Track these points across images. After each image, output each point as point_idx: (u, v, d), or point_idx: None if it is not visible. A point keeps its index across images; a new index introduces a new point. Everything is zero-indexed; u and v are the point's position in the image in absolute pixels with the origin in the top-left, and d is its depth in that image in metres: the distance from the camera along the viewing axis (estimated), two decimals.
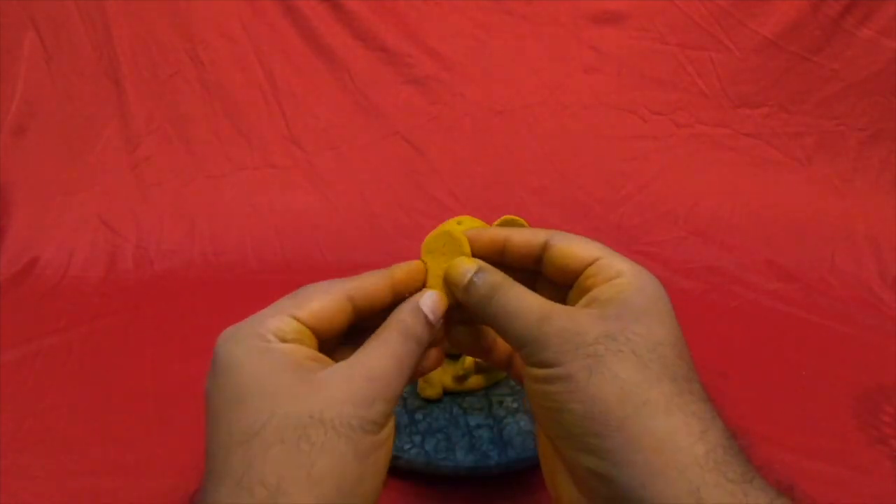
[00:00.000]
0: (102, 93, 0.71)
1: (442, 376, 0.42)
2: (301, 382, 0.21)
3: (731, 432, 0.21)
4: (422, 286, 0.27)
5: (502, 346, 0.29)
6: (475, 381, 0.42)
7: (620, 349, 0.21)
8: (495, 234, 0.27)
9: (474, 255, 0.27)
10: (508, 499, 0.38)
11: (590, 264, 0.25)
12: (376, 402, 0.22)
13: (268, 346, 0.22)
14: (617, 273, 0.24)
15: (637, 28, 0.75)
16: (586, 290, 0.24)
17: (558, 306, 0.24)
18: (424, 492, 0.38)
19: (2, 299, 0.59)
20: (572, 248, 0.25)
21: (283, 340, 0.22)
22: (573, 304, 0.25)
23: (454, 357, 0.42)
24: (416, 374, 0.26)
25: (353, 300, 0.25)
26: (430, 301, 0.26)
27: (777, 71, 0.73)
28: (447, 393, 0.42)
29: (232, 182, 0.73)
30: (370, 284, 0.25)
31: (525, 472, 0.38)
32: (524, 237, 0.27)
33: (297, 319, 0.23)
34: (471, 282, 0.25)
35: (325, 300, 0.24)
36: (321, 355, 0.23)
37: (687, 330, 0.52)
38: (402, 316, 0.25)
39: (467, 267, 0.26)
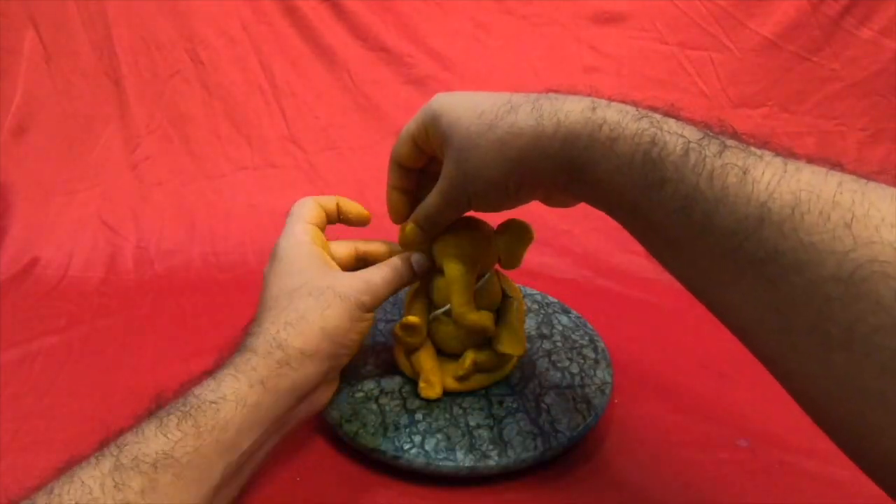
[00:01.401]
0: (102, 93, 0.71)
1: (442, 376, 0.42)
2: (325, 269, 0.36)
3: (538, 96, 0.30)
4: (355, 216, 0.42)
5: None
6: (475, 381, 0.42)
7: (459, 164, 0.32)
8: (389, 190, 0.41)
9: (405, 205, 0.41)
10: (508, 499, 0.38)
11: (414, 147, 0.37)
12: (367, 293, 0.35)
13: (304, 244, 0.37)
14: (423, 140, 0.35)
15: (637, 28, 0.75)
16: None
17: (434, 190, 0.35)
18: (424, 492, 0.38)
19: (2, 299, 0.59)
20: (402, 153, 0.38)
21: (312, 241, 0.37)
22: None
23: (454, 357, 0.42)
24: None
25: (319, 204, 0.40)
26: (418, 257, 0.39)
27: (777, 71, 0.73)
28: (447, 393, 0.42)
29: (232, 182, 0.72)
30: (326, 198, 0.41)
31: (525, 473, 0.39)
32: (395, 164, 0.40)
33: (309, 223, 0.38)
34: (414, 230, 0.38)
35: (311, 207, 0.40)
36: (330, 259, 0.38)
37: (687, 329, 0.53)
38: (395, 259, 0.39)
39: (409, 227, 0.39)
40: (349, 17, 0.74)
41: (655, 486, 0.38)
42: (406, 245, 0.39)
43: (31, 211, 0.67)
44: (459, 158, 0.32)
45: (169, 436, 0.27)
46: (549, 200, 0.34)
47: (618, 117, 0.26)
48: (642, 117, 0.26)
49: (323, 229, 0.40)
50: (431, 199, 0.36)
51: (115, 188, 0.70)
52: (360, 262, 0.41)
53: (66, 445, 0.41)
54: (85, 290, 0.61)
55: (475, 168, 0.31)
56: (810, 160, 0.23)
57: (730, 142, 0.24)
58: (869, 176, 0.22)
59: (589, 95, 0.29)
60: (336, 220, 0.42)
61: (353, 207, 0.42)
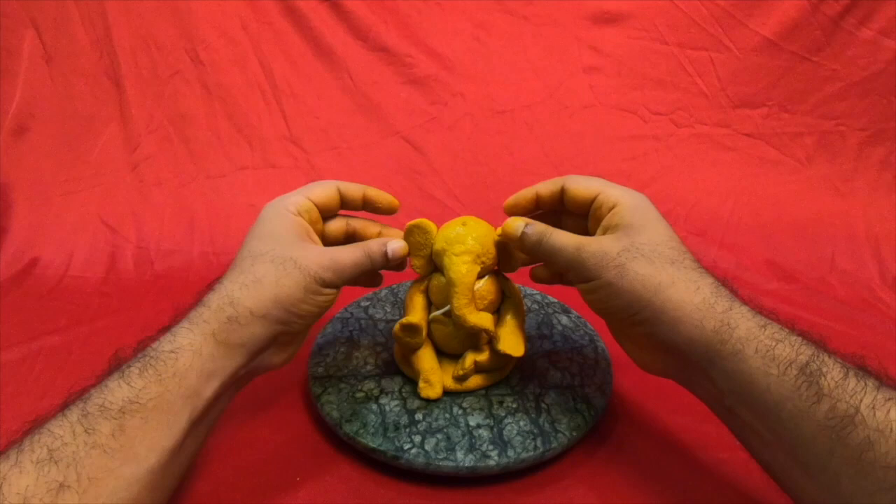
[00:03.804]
0: (102, 93, 0.71)
1: (442, 376, 0.42)
2: (295, 241, 0.36)
3: (719, 281, 0.33)
4: (385, 205, 0.42)
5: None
6: (475, 381, 0.42)
7: (634, 256, 0.33)
8: (528, 191, 0.39)
9: (520, 211, 0.40)
10: (508, 499, 0.38)
11: (595, 197, 0.36)
12: (329, 270, 0.35)
13: (287, 213, 0.37)
14: (615, 202, 0.35)
15: (637, 28, 0.75)
16: (599, 219, 0.36)
17: (586, 238, 0.35)
18: (424, 492, 0.38)
19: (2, 299, 0.59)
20: (580, 187, 0.37)
21: (298, 213, 0.38)
22: (591, 228, 0.37)
23: (454, 357, 0.42)
24: (363, 281, 0.42)
25: (339, 189, 0.40)
26: (394, 244, 0.39)
27: (777, 71, 0.73)
28: (447, 393, 0.42)
29: (232, 182, 0.72)
30: (352, 185, 0.41)
31: (525, 472, 0.39)
32: (547, 188, 0.38)
33: (308, 198, 0.38)
34: (523, 233, 0.37)
35: (324, 187, 0.40)
36: (312, 231, 0.38)
37: None
38: (371, 243, 0.38)
39: (518, 224, 0.37)
40: (349, 17, 0.74)
41: (655, 486, 0.38)
42: (505, 234, 0.38)
43: (31, 211, 0.67)
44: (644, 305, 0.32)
45: (132, 384, 0.29)
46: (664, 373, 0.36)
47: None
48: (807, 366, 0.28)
49: (330, 210, 0.40)
50: (562, 245, 0.35)
51: (115, 188, 0.70)
52: (348, 238, 0.41)
53: None
54: (85, 290, 0.61)
55: (634, 315, 0.33)
56: None
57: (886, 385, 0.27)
58: None
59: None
60: (360, 208, 0.42)
61: (382, 197, 0.41)
